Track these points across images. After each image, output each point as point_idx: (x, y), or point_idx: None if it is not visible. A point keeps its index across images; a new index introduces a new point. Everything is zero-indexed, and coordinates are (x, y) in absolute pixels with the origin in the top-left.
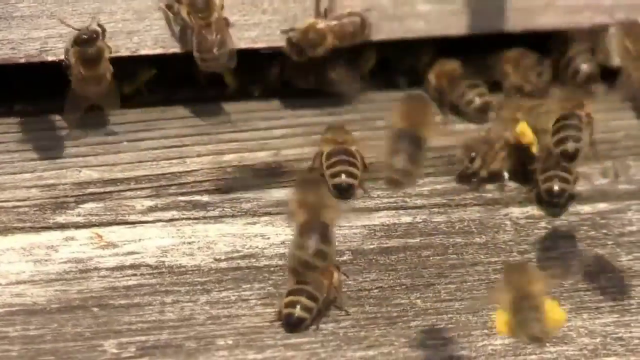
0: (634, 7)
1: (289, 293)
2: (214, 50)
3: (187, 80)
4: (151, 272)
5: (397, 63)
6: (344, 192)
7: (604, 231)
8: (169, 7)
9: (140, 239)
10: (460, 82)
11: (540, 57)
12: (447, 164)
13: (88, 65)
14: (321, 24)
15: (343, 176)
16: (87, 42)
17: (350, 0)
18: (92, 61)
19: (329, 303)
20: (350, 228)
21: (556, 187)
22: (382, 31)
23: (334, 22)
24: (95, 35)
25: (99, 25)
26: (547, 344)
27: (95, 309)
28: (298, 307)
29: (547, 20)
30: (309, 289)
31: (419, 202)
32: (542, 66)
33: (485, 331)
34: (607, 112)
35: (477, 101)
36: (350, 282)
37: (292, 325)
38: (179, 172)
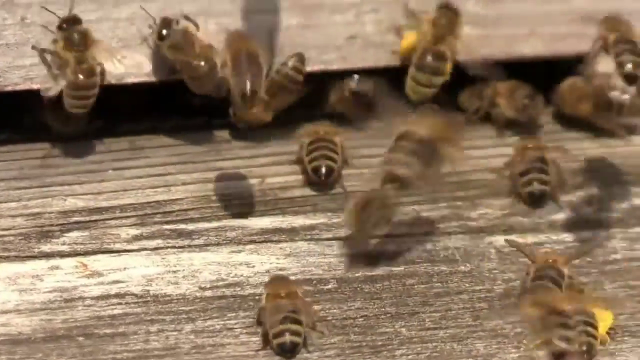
0: None
1: (274, 323)
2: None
3: (172, 108)
4: (136, 301)
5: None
6: (326, 177)
7: (588, 259)
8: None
9: (125, 268)
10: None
11: (532, 88)
12: (431, 192)
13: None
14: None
15: (323, 161)
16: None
17: (334, 28)
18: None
19: (312, 324)
20: (335, 256)
21: (537, 190)
22: (368, 59)
23: (271, 98)
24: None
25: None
26: None
27: (81, 339)
28: (287, 334)
29: (530, 48)
30: (291, 315)
31: (404, 230)
32: (534, 98)
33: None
34: (590, 140)
35: None
36: (335, 310)
37: (288, 351)
38: (164, 201)
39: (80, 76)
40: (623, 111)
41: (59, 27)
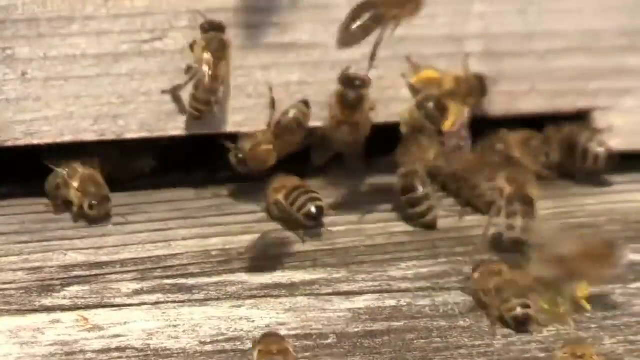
0: (617, 92)
1: None
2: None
3: (173, 164)
4: (137, 355)
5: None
6: (318, 218)
7: (588, 315)
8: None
9: (125, 322)
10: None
11: (546, 137)
12: (431, 247)
13: None
14: (264, 146)
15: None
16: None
17: (334, 85)
18: None
19: None
20: (334, 311)
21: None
22: None
23: (276, 140)
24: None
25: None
26: None
27: None
28: None
29: (530, 105)
30: None
31: (403, 285)
32: (549, 147)
33: None
34: (591, 196)
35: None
36: None
37: None
38: (164, 256)
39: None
40: None
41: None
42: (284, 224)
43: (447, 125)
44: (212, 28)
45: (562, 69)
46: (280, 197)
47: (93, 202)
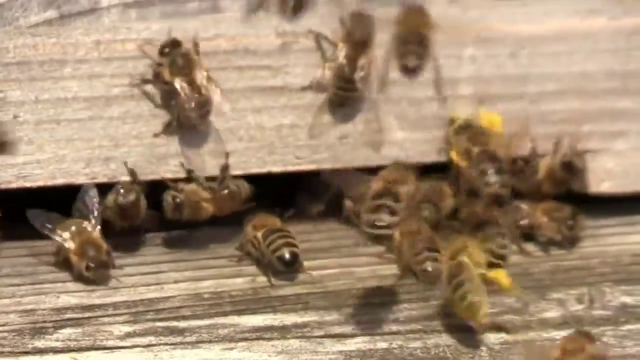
0: (609, 134)
1: None
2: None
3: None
4: None
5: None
6: (290, 264)
7: None
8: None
9: None
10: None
11: (574, 209)
12: (422, 290)
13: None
14: (204, 194)
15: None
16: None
17: (326, 127)
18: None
19: None
20: (326, 354)
21: (429, 268)
22: (358, 158)
23: (216, 194)
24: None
25: None
26: None
27: None
28: None
29: (524, 148)
30: None
31: (395, 328)
32: (575, 219)
33: None
34: (583, 239)
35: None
36: None
37: None
38: (156, 298)
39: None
40: None
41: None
42: (255, 263)
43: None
44: (169, 46)
45: (554, 111)
46: (258, 235)
47: (90, 264)
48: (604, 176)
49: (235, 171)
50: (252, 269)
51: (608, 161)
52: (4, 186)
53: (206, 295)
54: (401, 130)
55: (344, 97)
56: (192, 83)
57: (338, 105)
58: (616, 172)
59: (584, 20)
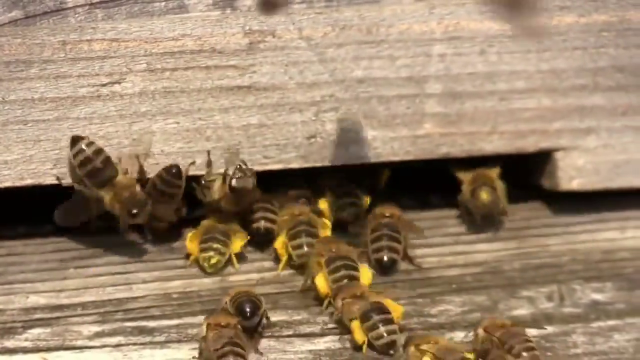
0: (580, 132)
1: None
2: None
3: None
4: None
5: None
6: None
7: (549, 354)
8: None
9: None
10: None
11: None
12: (392, 289)
13: None
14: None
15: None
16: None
17: (294, 127)
18: None
19: None
20: (295, 353)
21: (386, 258)
22: (327, 158)
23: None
24: None
25: None
26: None
27: None
28: None
29: (492, 145)
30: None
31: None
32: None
33: None
34: (553, 237)
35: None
36: None
37: None
38: (125, 298)
39: None
40: None
41: None
42: None
43: None
44: None
45: (524, 109)
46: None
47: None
48: (575, 173)
49: (203, 171)
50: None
51: (578, 158)
52: None
53: (175, 295)
54: (371, 129)
55: None
56: None
57: None
58: (586, 169)
59: (554, 17)
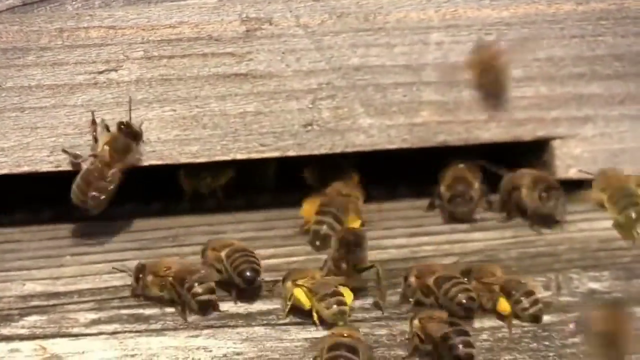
0: (577, 120)
1: None
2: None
3: (129, 194)
4: None
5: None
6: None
7: (546, 343)
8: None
9: (83, 352)
10: None
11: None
12: (389, 277)
13: None
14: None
15: None
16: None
17: (291, 115)
18: None
19: None
20: (291, 341)
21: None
22: (323, 145)
23: None
24: None
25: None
26: None
27: None
28: None
29: (489, 134)
30: None
31: (361, 315)
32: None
33: None
34: (550, 225)
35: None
36: None
37: None
38: (122, 286)
39: None
40: None
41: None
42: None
43: None
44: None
45: (521, 97)
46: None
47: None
48: (572, 162)
49: (199, 159)
50: None
51: (575, 147)
52: None
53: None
54: (367, 116)
55: None
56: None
57: None
58: (584, 158)
59: (551, 5)
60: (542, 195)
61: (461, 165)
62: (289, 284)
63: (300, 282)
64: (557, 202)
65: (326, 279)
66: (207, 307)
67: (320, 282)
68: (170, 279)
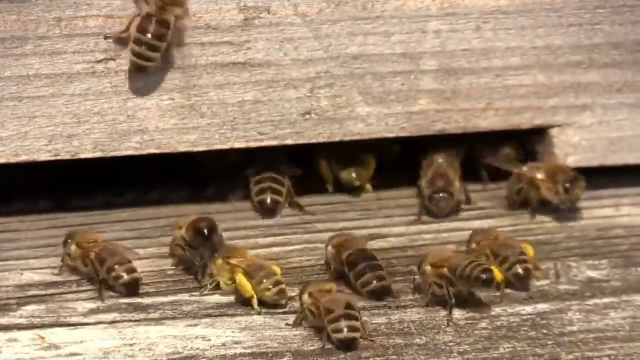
0: (575, 108)
1: None
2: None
3: (126, 183)
4: None
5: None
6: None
7: (544, 331)
8: None
9: (82, 341)
10: None
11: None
12: (387, 265)
13: None
14: None
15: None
16: None
17: (289, 103)
18: None
19: None
20: (290, 330)
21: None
22: (322, 134)
23: None
24: None
25: None
26: None
27: None
28: None
29: (487, 122)
30: None
31: (359, 303)
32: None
33: None
34: (549, 213)
35: None
36: None
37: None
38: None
39: None
40: None
41: None
42: None
43: None
44: None
45: (519, 85)
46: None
47: None
48: (570, 150)
49: (198, 147)
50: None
51: (573, 135)
52: None
53: (170, 272)
54: (365, 105)
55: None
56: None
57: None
58: (582, 146)
59: None
60: (566, 186)
61: (440, 160)
62: (219, 261)
63: (233, 261)
64: (582, 189)
65: (259, 260)
66: (133, 288)
67: (253, 262)
68: (93, 254)
